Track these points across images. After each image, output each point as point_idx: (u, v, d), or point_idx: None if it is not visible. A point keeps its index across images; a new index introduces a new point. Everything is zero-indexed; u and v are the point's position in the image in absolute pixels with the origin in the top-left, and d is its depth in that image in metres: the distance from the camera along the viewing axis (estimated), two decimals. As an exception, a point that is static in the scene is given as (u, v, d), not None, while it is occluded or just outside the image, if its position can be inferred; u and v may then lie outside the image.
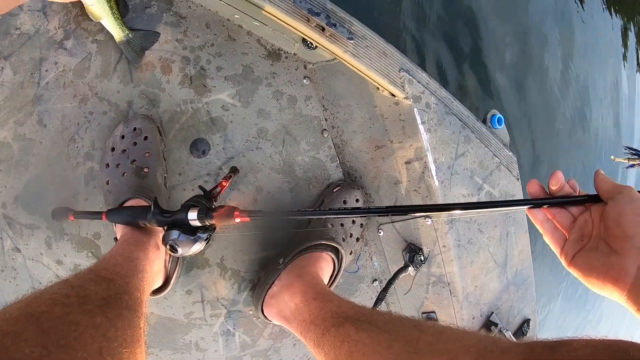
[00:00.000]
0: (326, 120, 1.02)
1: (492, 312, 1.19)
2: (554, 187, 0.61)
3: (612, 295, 0.53)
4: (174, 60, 0.94)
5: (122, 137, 0.89)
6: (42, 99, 0.93)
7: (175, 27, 0.94)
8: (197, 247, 0.76)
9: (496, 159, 1.07)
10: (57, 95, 0.93)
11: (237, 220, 0.70)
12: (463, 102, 1.00)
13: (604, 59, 3.26)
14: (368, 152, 1.03)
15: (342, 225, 0.98)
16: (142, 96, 0.94)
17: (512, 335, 1.20)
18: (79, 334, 0.50)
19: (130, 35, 0.87)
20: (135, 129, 0.88)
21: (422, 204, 1.02)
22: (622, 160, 2.89)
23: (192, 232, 0.74)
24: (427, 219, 1.01)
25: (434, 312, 1.13)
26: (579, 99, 2.96)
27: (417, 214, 1.00)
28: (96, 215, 0.84)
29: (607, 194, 0.57)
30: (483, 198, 1.06)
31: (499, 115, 1.11)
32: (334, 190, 1.00)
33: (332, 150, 1.04)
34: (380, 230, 1.08)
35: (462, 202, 1.02)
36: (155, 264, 0.82)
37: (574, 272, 0.58)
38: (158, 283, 0.88)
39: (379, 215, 1.04)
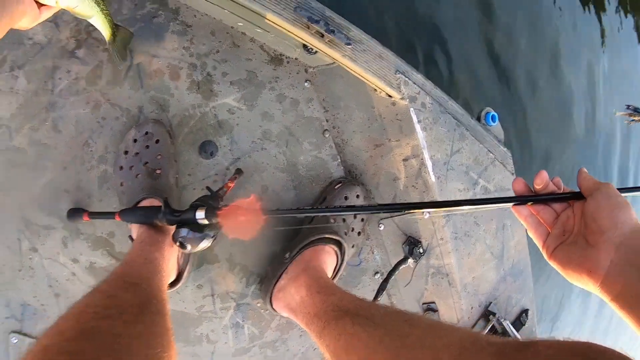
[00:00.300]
0: (327, 121, 1.06)
1: (491, 302, 1.23)
2: (538, 186, 0.63)
3: (587, 286, 0.56)
4: (181, 67, 0.98)
5: (135, 140, 0.92)
6: (56, 105, 0.96)
7: (182, 35, 0.97)
8: (205, 243, 0.79)
9: (491, 154, 1.12)
10: (70, 102, 0.96)
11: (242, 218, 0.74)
12: (469, 99, 1.03)
13: (613, 52, 3.27)
14: (367, 151, 1.08)
15: (344, 220, 1.02)
16: (152, 102, 0.97)
17: (510, 325, 1.24)
18: (124, 345, 0.54)
19: (116, 30, 0.84)
20: (147, 133, 0.92)
21: (415, 201, 1.07)
22: (624, 115, 3.04)
23: (200, 230, 0.78)
24: (425, 212, 1.05)
25: (434, 302, 1.17)
26: (587, 94, 2.98)
27: (404, 212, 1.04)
28: (110, 215, 0.88)
29: (588, 191, 0.59)
30: (479, 192, 1.11)
31: (492, 112, 1.15)
32: (336, 187, 1.04)
33: (333, 150, 1.08)
34: (380, 225, 1.12)
35: (454, 198, 1.06)
36: (170, 261, 0.87)
37: (554, 265, 0.61)
38: (171, 278, 0.93)
39: (371, 213, 1.08)
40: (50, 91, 0.96)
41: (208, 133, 1.00)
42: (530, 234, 0.66)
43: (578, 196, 0.61)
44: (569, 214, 0.62)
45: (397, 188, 1.08)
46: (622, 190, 0.60)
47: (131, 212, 0.86)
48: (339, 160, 1.09)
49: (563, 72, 2.78)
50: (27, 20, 0.66)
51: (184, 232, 0.78)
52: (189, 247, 0.78)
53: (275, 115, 1.03)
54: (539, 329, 1.40)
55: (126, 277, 0.71)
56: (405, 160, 1.04)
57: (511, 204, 0.65)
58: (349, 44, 0.89)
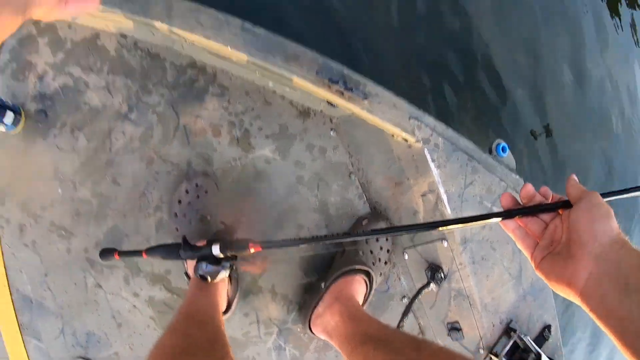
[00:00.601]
0: (352, 165, 1.16)
1: (511, 320, 1.30)
2: (524, 200, 0.64)
3: (569, 297, 0.57)
4: (222, 125, 1.09)
5: (187, 191, 1.06)
6: (114, 162, 1.08)
7: (220, 97, 1.08)
8: (223, 274, 0.89)
9: (503, 183, 1.20)
10: (126, 159, 1.08)
11: (252, 250, 0.80)
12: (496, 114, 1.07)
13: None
14: (389, 189, 1.18)
15: (371, 252, 1.13)
16: (198, 156, 1.09)
17: (531, 340, 1.30)
18: None
19: None
20: (197, 185, 1.06)
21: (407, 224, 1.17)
22: None
23: (217, 262, 0.88)
24: (443, 241, 1.16)
25: (457, 322, 1.27)
26: (617, 98, 2.90)
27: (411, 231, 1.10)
28: (138, 253, 0.96)
29: (574, 199, 0.59)
30: (493, 219, 1.20)
31: (503, 144, 1.24)
32: (363, 223, 1.14)
33: (359, 190, 1.17)
34: (405, 254, 1.22)
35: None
36: (222, 294, 1.00)
37: (540, 275, 0.61)
38: (222, 308, 1.06)
39: (361, 238, 1.12)
40: (109, 150, 1.08)
41: (249, 181, 1.12)
42: (519, 246, 0.66)
43: (566, 204, 0.61)
44: (557, 224, 0.62)
45: (417, 221, 1.17)
46: (605, 195, 0.60)
47: (156, 250, 0.94)
48: (365, 199, 1.18)
49: (589, 78, 2.70)
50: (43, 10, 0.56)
51: (202, 266, 0.88)
52: (209, 278, 0.89)
53: (306, 163, 1.14)
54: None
55: (194, 315, 0.84)
56: (423, 195, 1.14)
57: (499, 218, 0.65)
58: (365, 98, 1.01)
